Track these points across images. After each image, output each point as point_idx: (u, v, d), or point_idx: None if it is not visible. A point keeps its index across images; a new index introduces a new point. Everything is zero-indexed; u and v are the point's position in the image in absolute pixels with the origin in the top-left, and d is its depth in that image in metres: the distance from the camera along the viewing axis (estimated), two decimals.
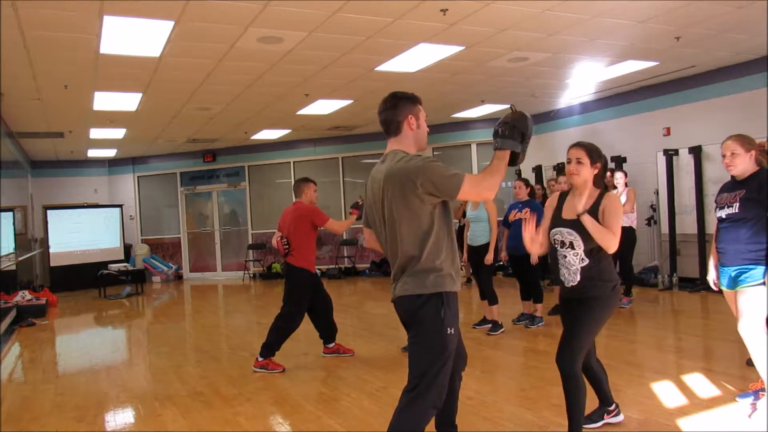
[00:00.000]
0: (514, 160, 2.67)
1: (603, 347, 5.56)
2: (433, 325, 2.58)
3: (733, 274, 3.52)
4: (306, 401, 4.42)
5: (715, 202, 3.70)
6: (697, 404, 3.80)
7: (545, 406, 3.96)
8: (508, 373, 4.80)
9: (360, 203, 5.53)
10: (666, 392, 4.11)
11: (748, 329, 3.42)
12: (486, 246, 6.23)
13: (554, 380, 4.56)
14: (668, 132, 8.95)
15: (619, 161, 9.34)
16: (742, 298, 3.46)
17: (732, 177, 3.60)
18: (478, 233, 6.31)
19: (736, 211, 3.47)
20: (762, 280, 3.38)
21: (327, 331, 5.65)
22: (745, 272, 3.44)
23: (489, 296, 6.35)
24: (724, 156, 3.54)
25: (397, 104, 2.73)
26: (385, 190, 2.63)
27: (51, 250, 12.80)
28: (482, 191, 2.59)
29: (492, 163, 2.65)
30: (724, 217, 3.55)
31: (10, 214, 10.46)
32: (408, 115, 2.72)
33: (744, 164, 3.48)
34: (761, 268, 3.39)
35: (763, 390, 3.66)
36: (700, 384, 4.20)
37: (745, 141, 3.49)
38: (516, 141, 2.63)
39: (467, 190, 2.52)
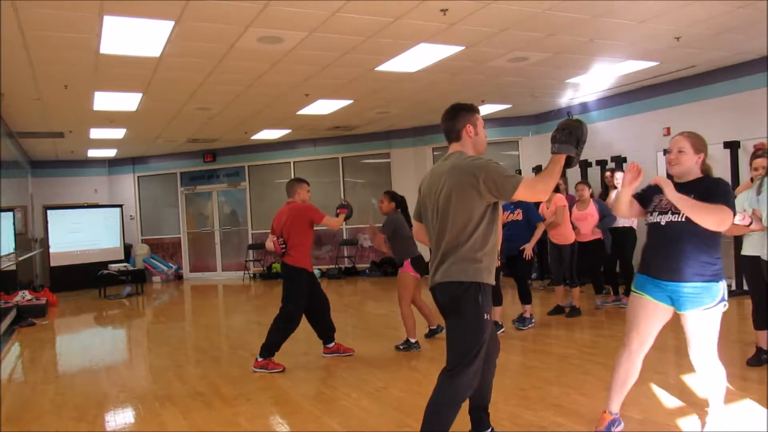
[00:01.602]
0: (569, 163, 2.85)
1: (603, 347, 5.57)
2: (473, 311, 2.82)
3: (686, 291, 3.05)
4: (306, 401, 4.43)
5: (651, 201, 3.28)
6: (697, 404, 3.79)
7: (545, 406, 3.96)
8: (507, 373, 4.80)
9: (345, 203, 5.75)
10: (666, 392, 4.11)
11: (705, 355, 3.14)
12: None
13: (554, 380, 4.57)
14: (668, 132, 8.94)
15: (619, 161, 9.34)
16: (698, 321, 3.08)
17: (670, 177, 3.28)
18: None
19: (683, 220, 3.03)
20: (724, 301, 3.07)
21: (325, 330, 5.65)
22: (702, 291, 3.03)
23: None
24: (670, 151, 3.24)
25: (456, 115, 3.00)
26: (446, 180, 2.88)
27: (51, 250, 12.79)
28: (537, 193, 2.82)
29: (548, 166, 2.83)
30: (663, 224, 3.12)
31: (10, 214, 10.45)
32: (466, 124, 2.98)
33: (688, 164, 3.16)
34: (718, 285, 3.05)
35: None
36: (700, 384, 4.19)
37: (696, 141, 3.21)
38: (572, 146, 2.82)
39: (523, 192, 2.73)
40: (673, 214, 3.08)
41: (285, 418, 4.15)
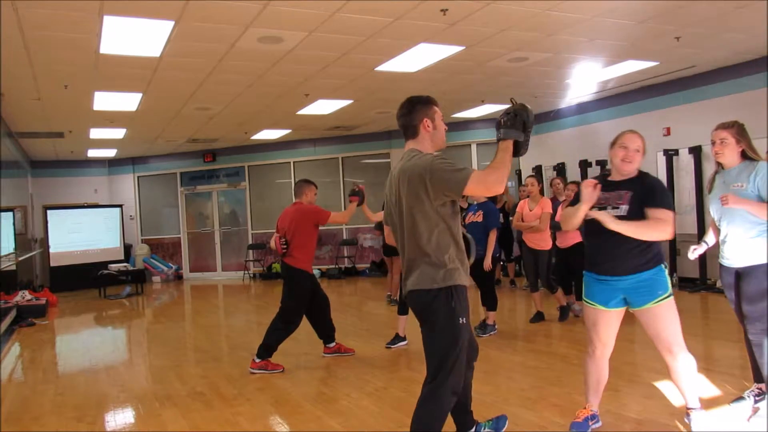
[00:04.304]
0: (518, 150, 2.71)
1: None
2: (446, 317, 2.71)
3: (635, 282, 3.12)
4: (306, 401, 4.42)
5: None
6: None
7: (545, 406, 3.96)
8: (507, 373, 4.80)
9: (357, 189, 5.57)
10: (666, 392, 4.10)
11: (677, 347, 3.14)
12: None
13: (554, 380, 4.57)
14: (668, 132, 8.94)
15: None
16: (663, 317, 3.12)
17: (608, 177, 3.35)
18: None
19: (625, 213, 3.08)
20: (670, 291, 3.14)
21: (326, 330, 5.65)
22: (649, 281, 3.11)
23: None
24: (626, 148, 3.22)
25: (413, 109, 2.83)
26: (399, 186, 2.78)
27: (51, 250, 12.79)
28: (490, 186, 2.62)
29: (497, 155, 2.67)
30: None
31: (10, 214, 10.46)
32: (423, 119, 2.82)
33: (638, 164, 3.23)
34: (662, 272, 3.13)
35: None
36: (700, 384, 4.19)
37: (643, 140, 3.28)
38: (518, 130, 2.69)
39: (473, 186, 2.58)
40: (613, 208, 3.11)
41: (285, 418, 4.15)
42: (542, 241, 6.63)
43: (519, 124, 2.68)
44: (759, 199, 3.29)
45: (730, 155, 3.46)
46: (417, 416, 2.74)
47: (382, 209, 3.12)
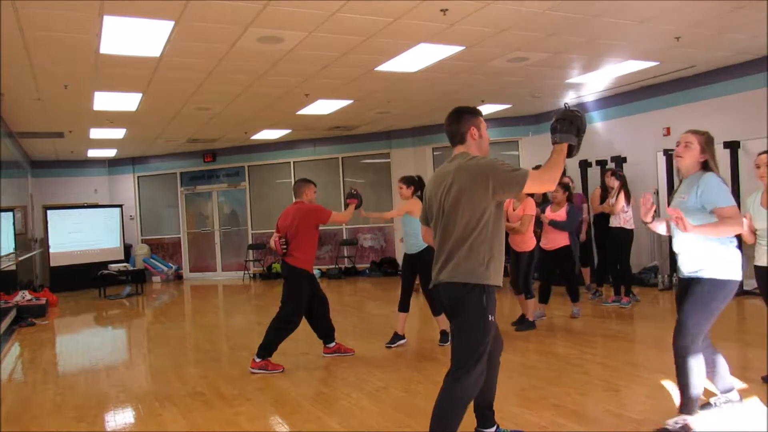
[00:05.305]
0: (570, 152, 2.93)
1: (603, 347, 5.58)
2: (477, 312, 2.86)
3: None
4: (306, 401, 4.43)
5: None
6: None
7: (545, 406, 3.96)
8: (507, 373, 4.79)
9: (354, 192, 5.67)
10: (666, 392, 4.11)
11: None
12: (424, 253, 5.59)
13: (554, 380, 4.57)
14: (668, 132, 8.95)
15: (619, 161, 9.34)
16: None
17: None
18: (413, 240, 5.74)
19: None
20: None
21: (325, 330, 5.65)
22: None
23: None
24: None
25: (460, 118, 3.05)
26: (454, 180, 2.91)
27: (51, 250, 12.79)
28: (544, 183, 2.89)
29: (552, 156, 2.89)
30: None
31: (10, 214, 10.44)
32: (470, 127, 3.03)
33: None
34: None
35: None
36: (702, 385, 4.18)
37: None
38: (572, 135, 2.91)
39: (531, 184, 2.80)
40: None
41: (285, 418, 4.15)
42: (523, 243, 6.45)
43: (573, 129, 2.90)
44: (702, 212, 3.24)
45: (690, 161, 3.37)
46: (438, 405, 2.84)
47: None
